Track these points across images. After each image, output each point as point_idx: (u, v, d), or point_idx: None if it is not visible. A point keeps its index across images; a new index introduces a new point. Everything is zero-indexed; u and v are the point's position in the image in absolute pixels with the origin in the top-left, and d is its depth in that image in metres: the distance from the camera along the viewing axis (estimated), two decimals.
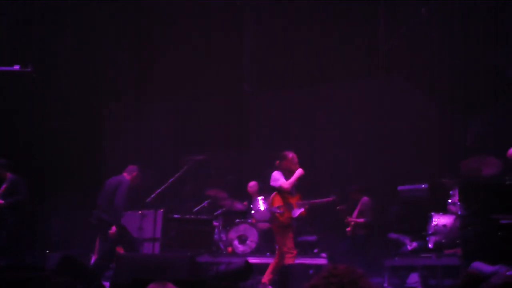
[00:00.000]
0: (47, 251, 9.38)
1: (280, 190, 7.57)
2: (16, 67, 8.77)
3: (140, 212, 9.39)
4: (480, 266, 5.09)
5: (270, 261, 9.05)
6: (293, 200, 7.55)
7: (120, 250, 9.23)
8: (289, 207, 7.50)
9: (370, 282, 1.85)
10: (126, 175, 8.36)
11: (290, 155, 7.62)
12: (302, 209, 7.50)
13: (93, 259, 9.48)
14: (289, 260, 7.35)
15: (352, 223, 9.01)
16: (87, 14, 11.02)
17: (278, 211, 7.52)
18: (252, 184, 9.98)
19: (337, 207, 9.15)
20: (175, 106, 11.71)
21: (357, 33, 10.40)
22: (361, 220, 9.05)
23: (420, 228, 8.19)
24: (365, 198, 9.18)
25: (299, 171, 7.57)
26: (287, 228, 7.52)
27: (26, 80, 9.40)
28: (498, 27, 9.05)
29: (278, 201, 7.59)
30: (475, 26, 9.29)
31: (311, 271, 8.93)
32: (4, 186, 8.49)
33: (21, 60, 8.78)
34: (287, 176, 7.58)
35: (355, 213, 9.16)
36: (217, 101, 11.36)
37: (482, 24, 9.24)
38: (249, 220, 9.52)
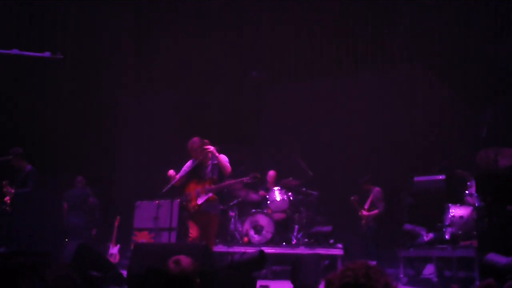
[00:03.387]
0: (66, 240, 9.51)
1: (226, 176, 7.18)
2: (47, 53, 8.78)
3: (156, 202, 9.47)
4: (495, 257, 5.07)
5: (286, 251, 9.12)
6: (201, 186, 7.11)
7: (138, 239, 9.37)
8: (196, 194, 7.11)
9: (385, 275, 1.85)
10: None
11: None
12: (210, 194, 7.03)
13: (111, 248, 9.61)
14: None
15: (365, 216, 9.06)
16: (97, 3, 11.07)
17: (184, 200, 7.18)
18: (272, 173, 9.98)
19: (351, 198, 9.17)
20: (187, 97, 11.74)
21: (374, 24, 10.33)
22: (375, 212, 9.08)
23: (435, 220, 8.15)
24: (376, 189, 9.20)
25: (224, 157, 7.09)
26: (193, 216, 7.09)
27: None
28: None
29: (188, 189, 7.22)
30: (490, 16, 9.19)
31: (326, 262, 8.96)
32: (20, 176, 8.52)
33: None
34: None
35: (367, 204, 9.18)
36: (228, 93, 11.36)
37: (497, 14, 9.13)
38: (265, 210, 9.54)
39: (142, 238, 9.49)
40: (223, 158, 7.11)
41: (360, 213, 9.10)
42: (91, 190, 10.14)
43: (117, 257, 9.52)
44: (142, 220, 9.63)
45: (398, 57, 10.20)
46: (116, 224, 9.55)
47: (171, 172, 7.85)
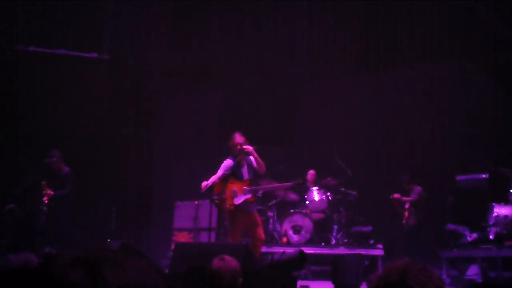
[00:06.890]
0: (108, 240, 9.67)
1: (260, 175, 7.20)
2: (93, 54, 8.81)
3: (196, 202, 9.56)
4: None
5: (325, 251, 9.07)
6: (238, 186, 7.01)
7: (178, 239, 9.48)
8: (232, 193, 6.99)
9: (425, 270, 1.80)
10: None
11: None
12: (249, 196, 6.94)
13: None
14: None
15: (396, 199, 8.82)
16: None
17: (216, 197, 7.08)
18: (312, 172, 9.91)
19: (391, 196, 9.01)
20: (225, 97, 11.74)
21: (414, 17, 10.17)
22: (408, 198, 8.79)
23: (478, 219, 7.99)
24: (417, 188, 8.96)
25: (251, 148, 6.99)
26: (233, 216, 7.05)
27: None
28: None
29: (218, 187, 7.06)
30: None
31: (366, 262, 8.87)
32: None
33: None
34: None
35: (407, 204, 9.00)
36: (266, 92, 11.32)
37: None
38: (303, 211, 9.51)
39: (182, 238, 9.59)
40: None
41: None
42: None
43: None
44: (181, 220, 9.73)
45: (439, 51, 9.97)
46: None
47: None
